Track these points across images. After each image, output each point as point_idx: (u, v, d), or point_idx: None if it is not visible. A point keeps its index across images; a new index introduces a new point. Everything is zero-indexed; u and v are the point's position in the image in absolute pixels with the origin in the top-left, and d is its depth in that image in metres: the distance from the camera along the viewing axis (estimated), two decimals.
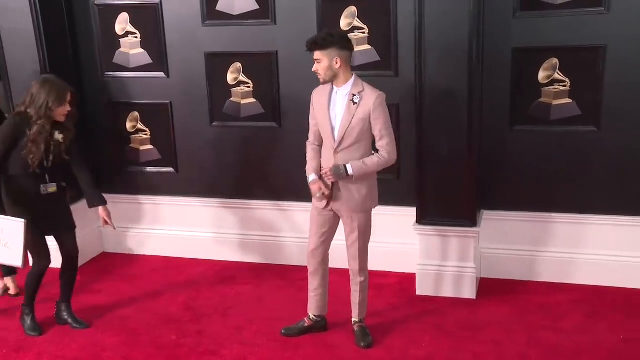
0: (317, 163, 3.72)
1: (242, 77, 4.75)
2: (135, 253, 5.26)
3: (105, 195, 5.06)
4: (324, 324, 4.03)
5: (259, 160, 4.84)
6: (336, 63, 3.50)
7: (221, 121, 4.78)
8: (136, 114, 5.03)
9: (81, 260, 4.97)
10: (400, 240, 4.69)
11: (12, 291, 4.69)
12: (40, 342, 4.03)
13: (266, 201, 4.89)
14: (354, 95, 3.54)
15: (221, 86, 4.78)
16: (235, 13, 4.63)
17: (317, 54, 3.51)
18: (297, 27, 4.53)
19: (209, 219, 5.07)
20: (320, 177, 3.69)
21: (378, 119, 3.53)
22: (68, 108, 3.86)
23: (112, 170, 5.20)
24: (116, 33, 4.92)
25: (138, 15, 4.84)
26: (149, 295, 4.60)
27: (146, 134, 5.06)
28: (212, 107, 4.78)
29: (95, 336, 4.09)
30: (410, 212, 4.49)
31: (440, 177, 4.27)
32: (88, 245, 5.16)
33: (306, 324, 4.01)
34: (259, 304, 4.43)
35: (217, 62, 4.75)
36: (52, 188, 3.95)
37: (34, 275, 4.07)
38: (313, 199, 3.76)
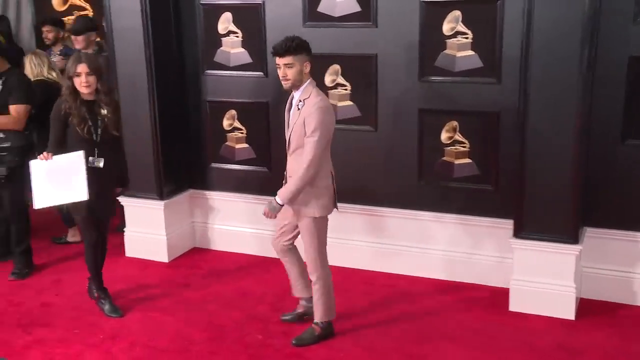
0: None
1: (340, 79, 4.73)
2: (224, 250, 5.31)
3: (197, 191, 5.30)
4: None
5: (352, 163, 4.79)
6: (305, 67, 3.58)
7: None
8: (233, 112, 5.10)
9: (173, 254, 5.17)
10: (494, 253, 4.56)
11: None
12: (133, 331, 4.14)
13: (356, 205, 4.84)
14: (300, 101, 3.62)
15: (319, 88, 4.68)
16: (337, 15, 4.61)
17: (289, 59, 3.54)
18: (398, 30, 4.48)
19: None
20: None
21: (309, 126, 3.55)
22: (82, 80, 3.97)
23: (205, 166, 5.29)
24: (218, 32, 4.98)
25: (240, 15, 4.90)
26: (237, 292, 4.64)
27: (242, 133, 5.11)
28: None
29: (185, 329, 4.16)
30: (507, 225, 4.35)
31: (542, 189, 4.11)
32: (180, 240, 5.28)
33: (300, 310, 4.12)
34: (344, 308, 4.34)
35: (315, 64, 4.56)
36: (99, 162, 4.08)
37: (89, 246, 4.27)
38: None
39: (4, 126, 4.65)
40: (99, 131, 4.08)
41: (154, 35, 4.84)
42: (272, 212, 3.71)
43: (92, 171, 4.03)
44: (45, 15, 6.75)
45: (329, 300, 3.90)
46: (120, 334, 4.12)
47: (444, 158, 4.57)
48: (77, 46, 5.51)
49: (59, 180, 3.96)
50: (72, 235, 5.50)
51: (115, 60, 4.95)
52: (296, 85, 3.62)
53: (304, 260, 3.87)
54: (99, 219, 4.27)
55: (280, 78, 3.61)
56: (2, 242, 5.13)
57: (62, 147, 4.05)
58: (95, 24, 5.49)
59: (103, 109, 4.08)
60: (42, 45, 6.59)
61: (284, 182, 3.87)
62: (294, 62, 3.56)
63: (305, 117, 3.57)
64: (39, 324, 4.25)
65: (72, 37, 5.57)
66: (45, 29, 6.27)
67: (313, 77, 4.66)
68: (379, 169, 4.75)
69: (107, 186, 4.22)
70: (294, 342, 3.89)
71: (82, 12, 6.78)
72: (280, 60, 3.57)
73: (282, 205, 3.69)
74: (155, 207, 5.11)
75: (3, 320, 4.28)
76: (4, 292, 4.53)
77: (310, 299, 4.01)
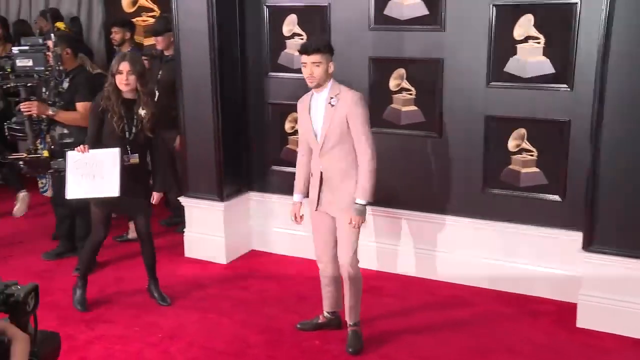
0: (304, 182, 3.85)
1: (405, 84, 4.68)
2: (282, 253, 5.30)
3: (256, 194, 5.31)
4: (339, 322, 4.07)
5: (415, 170, 4.75)
6: (330, 67, 3.61)
7: (380, 127, 4.70)
8: (296, 115, 5.07)
9: (231, 256, 5.18)
10: (560, 266, 4.41)
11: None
12: (191, 332, 4.16)
13: (418, 212, 4.78)
14: (331, 98, 3.62)
15: (383, 92, 4.74)
16: (404, 18, 4.58)
17: (318, 57, 3.57)
18: (466, 34, 4.42)
19: None
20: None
21: (355, 119, 3.59)
22: (124, 78, 4.09)
23: (266, 169, 5.30)
24: (283, 34, 5.00)
25: (306, 17, 4.91)
26: (295, 297, 4.61)
27: None
28: (372, 112, 4.72)
29: (242, 332, 4.15)
30: (574, 237, 4.22)
31: (615, 201, 3.96)
32: (238, 242, 5.29)
33: (320, 321, 4.10)
34: (404, 317, 4.30)
35: (380, 67, 4.72)
36: (134, 159, 4.19)
37: (92, 243, 4.38)
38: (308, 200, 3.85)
39: (72, 122, 4.75)
40: (133, 130, 4.18)
41: (219, 37, 4.87)
42: (362, 216, 3.68)
43: (127, 170, 4.15)
44: (114, 16, 6.87)
45: (360, 301, 3.92)
46: (178, 333, 4.13)
47: (510, 166, 4.48)
48: (158, 47, 5.62)
49: (93, 173, 4.09)
50: (133, 231, 5.56)
51: (181, 61, 5.01)
52: (320, 85, 3.64)
53: (341, 260, 3.83)
54: (134, 215, 4.39)
55: (307, 76, 3.62)
56: (68, 238, 5.23)
57: (99, 142, 4.19)
58: (169, 27, 5.45)
59: (142, 109, 4.17)
60: (110, 47, 6.72)
61: (298, 181, 3.89)
62: (322, 60, 3.59)
63: (348, 112, 3.59)
64: (101, 320, 4.31)
65: (153, 38, 5.66)
66: (113, 30, 6.39)
67: (378, 81, 4.72)
68: (442, 177, 4.68)
69: (135, 186, 4.24)
70: (350, 350, 3.85)
71: (150, 14, 6.87)
72: (308, 59, 3.59)
73: (365, 206, 3.66)
74: (215, 209, 5.13)
75: (68, 315, 4.35)
76: (69, 287, 4.61)
77: (334, 313, 4.07)
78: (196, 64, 4.94)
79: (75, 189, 4.13)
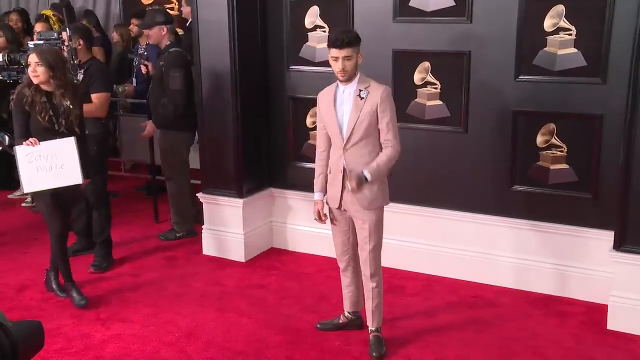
0: (324, 178, 3.82)
1: (430, 77, 4.63)
2: (303, 251, 5.26)
3: (277, 190, 5.36)
4: (360, 323, 4.04)
5: (440, 166, 4.69)
6: (359, 59, 3.60)
7: (404, 122, 4.61)
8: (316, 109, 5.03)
9: (250, 254, 5.17)
10: (590, 266, 4.32)
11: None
12: (208, 331, 4.12)
13: (443, 210, 4.72)
14: (360, 90, 3.61)
15: (407, 85, 4.68)
16: (430, 9, 4.52)
17: (349, 51, 3.54)
18: (494, 26, 4.35)
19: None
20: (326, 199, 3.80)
21: (385, 112, 3.58)
22: (32, 70, 4.15)
23: (287, 164, 5.28)
24: (305, 26, 4.96)
25: (328, 9, 4.87)
26: (315, 296, 4.55)
27: None
28: (396, 107, 4.68)
29: (260, 332, 4.10)
30: (605, 236, 4.14)
31: None
32: (258, 240, 5.26)
33: (341, 321, 4.07)
34: (427, 318, 4.24)
35: (405, 60, 4.66)
36: None
37: (55, 236, 4.35)
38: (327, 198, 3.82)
39: (89, 114, 4.75)
40: (62, 121, 4.22)
41: (239, 29, 4.84)
42: (359, 187, 3.60)
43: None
44: (133, 9, 6.90)
45: (382, 304, 3.87)
46: (195, 332, 4.10)
47: (539, 163, 4.40)
48: (150, 41, 5.59)
49: (50, 165, 4.14)
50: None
51: (200, 53, 4.98)
52: (351, 78, 3.62)
53: (364, 262, 3.78)
54: (65, 208, 4.40)
55: (338, 70, 3.58)
56: (85, 235, 5.23)
57: (29, 134, 4.20)
58: (169, 17, 5.48)
59: (66, 101, 4.21)
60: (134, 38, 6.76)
61: (320, 178, 3.84)
62: (352, 54, 3.56)
63: (379, 104, 3.58)
64: (116, 319, 4.29)
65: (145, 31, 5.64)
66: (133, 22, 6.40)
67: (401, 74, 4.68)
68: (468, 173, 4.61)
69: None
70: (374, 355, 3.79)
71: (167, 5, 6.87)
72: (339, 53, 3.54)
73: (367, 181, 3.61)
74: (234, 205, 5.10)
75: (83, 314, 4.34)
76: (85, 285, 4.60)
77: (355, 313, 4.05)
78: (216, 55, 4.91)
79: (33, 182, 4.17)
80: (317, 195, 3.86)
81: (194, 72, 5.14)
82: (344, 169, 3.68)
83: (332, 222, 3.86)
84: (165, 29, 5.33)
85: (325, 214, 3.84)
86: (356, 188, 3.59)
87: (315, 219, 3.85)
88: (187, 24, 6.08)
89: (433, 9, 4.49)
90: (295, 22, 4.99)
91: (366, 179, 3.58)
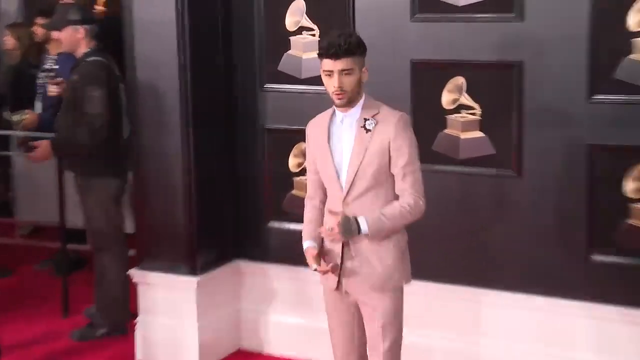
0: (316, 226, 3.75)
1: (465, 99, 4.61)
2: (285, 355, 5.21)
3: (247, 263, 5.39)
4: None
5: (481, 226, 4.65)
6: (364, 75, 3.61)
7: (428, 163, 4.54)
8: (304, 146, 4.94)
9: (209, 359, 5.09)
10: None
11: None
12: None
13: (488, 290, 4.66)
14: (366, 120, 3.59)
15: (432, 111, 4.70)
16: (462, 3, 4.56)
17: (349, 62, 3.50)
18: (556, 25, 4.36)
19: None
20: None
21: (401, 150, 3.56)
22: None
23: (261, 225, 5.29)
24: (286, 28, 5.01)
25: (319, 4, 4.94)
26: None
27: None
28: (420, 139, 4.62)
29: None
30: None
31: None
32: (219, 337, 5.24)
33: None
34: None
35: (428, 75, 4.70)
36: None
37: None
38: (321, 277, 3.78)
39: None
40: None
41: (192, 31, 4.87)
42: (345, 234, 3.52)
43: None
44: (39, 3, 6.97)
45: None
46: None
47: (631, 221, 4.37)
48: (64, 49, 5.67)
49: None
50: None
51: (135, 67, 5.00)
52: (352, 101, 3.59)
53: None
54: None
55: (333, 91, 3.53)
56: None
57: None
58: (88, 15, 5.50)
59: None
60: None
61: (311, 225, 3.79)
62: (353, 67, 3.52)
63: (393, 139, 3.55)
64: None
65: (53, 34, 5.72)
66: (37, 21, 6.40)
67: (424, 95, 4.77)
68: (524, 235, 4.57)
69: None
70: None
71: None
72: (334, 66, 3.49)
73: (359, 233, 3.53)
74: (185, 287, 5.08)
75: None
76: None
77: None
78: (159, 71, 4.95)
79: None
80: (306, 244, 3.77)
81: (126, 91, 5.18)
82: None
83: (328, 308, 3.82)
84: (82, 31, 5.32)
85: (327, 257, 3.72)
86: (338, 234, 3.51)
87: (315, 270, 3.70)
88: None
89: (468, 2, 4.54)
90: (273, 22, 5.05)
91: (358, 228, 3.51)
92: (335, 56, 3.47)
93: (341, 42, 3.48)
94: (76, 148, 5.29)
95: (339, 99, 3.53)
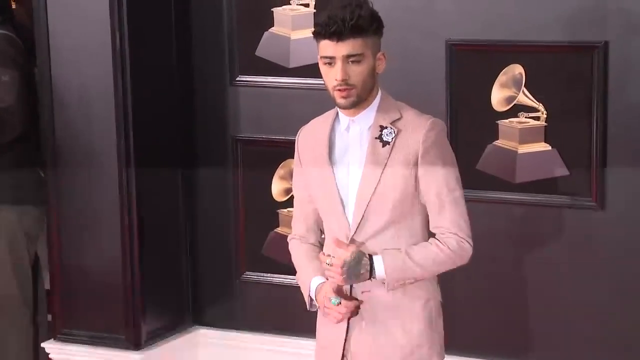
0: (318, 263, 3.72)
1: (524, 97, 4.70)
2: None
3: (210, 332, 5.55)
4: None
5: (549, 277, 4.73)
6: (379, 63, 3.61)
7: (471, 189, 4.53)
8: (292, 164, 5.01)
9: None
10: None
11: None
12: None
13: None
14: (382, 128, 3.58)
15: (477, 113, 4.80)
16: None
17: (358, 45, 3.50)
18: None
19: None
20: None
21: (434, 171, 3.57)
22: None
23: (230, 279, 5.42)
24: None
25: None
26: None
27: None
28: (459, 155, 4.67)
29: None
30: None
31: None
32: None
33: None
34: None
35: (470, 60, 4.79)
36: None
37: None
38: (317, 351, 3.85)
39: None
40: None
41: (130, 4, 4.96)
42: (351, 277, 3.53)
43: None
44: None
45: None
46: None
47: None
48: None
49: None
50: None
51: (49, 48, 5.08)
52: (361, 100, 3.58)
53: None
54: None
55: (335, 85, 3.52)
56: None
57: None
58: None
59: None
60: None
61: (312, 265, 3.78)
62: (365, 50, 3.51)
63: (422, 154, 3.55)
64: None
65: None
66: None
67: (465, 91, 4.86)
68: (610, 294, 4.66)
69: None
70: None
71: None
72: (337, 49, 3.48)
73: (370, 278, 3.55)
74: None
75: None
76: None
77: None
78: (83, 54, 5.03)
79: None
80: (317, 281, 3.73)
81: (40, 85, 5.26)
82: (351, 287, 3.66)
83: None
84: None
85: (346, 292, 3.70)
86: (340, 276, 3.51)
87: (339, 303, 3.63)
88: None
89: None
90: None
91: (371, 271, 3.52)
92: (337, 36, 3.44)
93: (346, 15, 3.45)
94: None
95: (344, 97, 3.51)
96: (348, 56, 3.47)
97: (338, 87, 3.50)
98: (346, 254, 3.48)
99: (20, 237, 5.45)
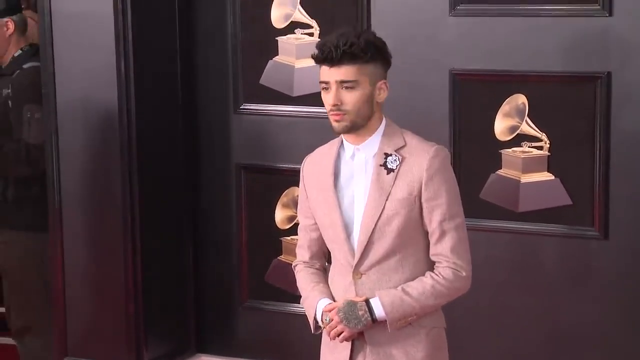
0: (325, 287, 3.76)
1: (528, 126, 4.70)
2: None
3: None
4: None
5: (553, 307, 4.72)
6: (380, 92, 3.59)
7: (474, 218, 4.59)
8: (297, 192, 4.99)
9: None
10: None
11: None
12: None
13: None
14: (387, 155, 3.58)
15: (480, 142, 4.79)
16: None
17: (352, 72, 3.50)
18: None
19: None
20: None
21: (438, 198, 3.55)
22: None
23: (235, 309, 5.42)
24: (272, 25, 5.09)
25: None
26: None
27: None
28: (463, 183, 4.65)
29: None
30: None
31: None
32: None
33: None
34: None
35: (473, 90, 4.79)
36: None
37: None
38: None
39: None
40: None
41: (136, 31, 4.97)
42: (348, 324, 3.53)
43: None
44: None
45: None
46: None
47: None
48: None
49: None
50: None
51: (55, 81, 5.09)
52: (358, 127, 3.58)
53: None
54: None
55: (330, 109, 3.53)
56: None
57: None
58: (15, 3, 5.49)
59: None
60: None
61: (319, 287, 3.78)
62: (360, 77, 3.51)
63: (425, 182, 3.55)
64: None
65: None
66: None
67: (468, 120, 4.85)
68: (613, 324, 4.64)
69: None
70: None
71: None
72: (330, 74, 3.52)
73: (372, 322, 3.54)
74: None
75: None
76: None
77: None
78: (89, 87, 5.04)
79: None
80: (324, 302, 3.70)
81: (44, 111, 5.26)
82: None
83: None
84: (10, 25, 5.33)
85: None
86: (339, 319, 3.54)
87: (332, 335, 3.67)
88: None
89: None
90: (253, 16, 5.17)
91: (371, 314, 3.53)
92: (330, 62, 3.48)
93: (340, 42, 3.46)
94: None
95: (337, 120, 3.51)
96: (342, 82, 3.49)
97: (333, 113, 3.52)
98: (338, 304, 3.55)
99: (38, 255, 5.38)
